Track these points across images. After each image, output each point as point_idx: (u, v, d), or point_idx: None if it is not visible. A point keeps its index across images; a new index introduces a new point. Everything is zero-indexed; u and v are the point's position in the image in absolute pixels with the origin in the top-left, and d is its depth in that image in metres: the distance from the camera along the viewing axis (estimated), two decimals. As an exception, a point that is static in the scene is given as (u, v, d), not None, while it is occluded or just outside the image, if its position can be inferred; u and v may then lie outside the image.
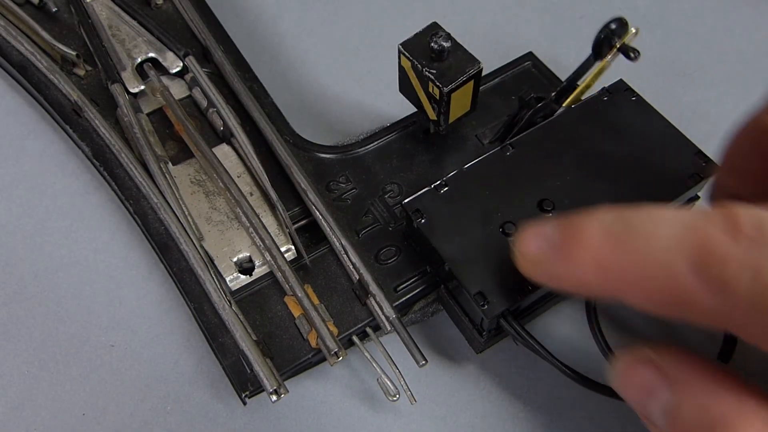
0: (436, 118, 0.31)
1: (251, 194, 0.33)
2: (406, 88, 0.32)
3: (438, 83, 0.29)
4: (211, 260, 0.30)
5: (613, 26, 0.28)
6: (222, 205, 0.32)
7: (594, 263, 0.21)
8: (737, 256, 0.18)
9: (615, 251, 0.20)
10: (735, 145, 0.25)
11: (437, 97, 0.30)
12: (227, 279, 0.30)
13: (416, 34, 0.30)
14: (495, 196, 0.29)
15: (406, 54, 0.30)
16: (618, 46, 0.29)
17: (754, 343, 0.19)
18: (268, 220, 0.32)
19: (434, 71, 0.29)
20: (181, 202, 0.31)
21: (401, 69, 0.31)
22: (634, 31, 0.29)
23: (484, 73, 0.31)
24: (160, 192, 0.32)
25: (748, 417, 0.19)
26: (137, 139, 0.33)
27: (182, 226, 0.31)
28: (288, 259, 0.30)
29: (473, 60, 0.30)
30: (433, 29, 0.30)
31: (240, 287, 0.30)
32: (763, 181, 0.24)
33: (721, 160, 0.25)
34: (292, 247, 0.31)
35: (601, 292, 0.21)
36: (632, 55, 0.28)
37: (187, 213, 0.31)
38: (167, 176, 0.32)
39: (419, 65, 0.30)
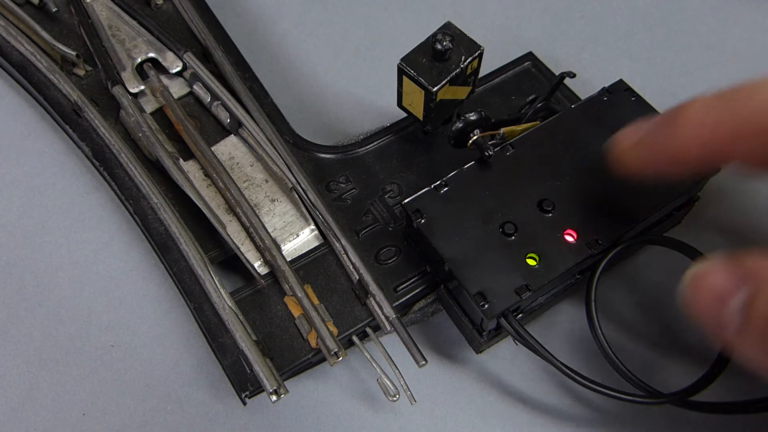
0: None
1: (266, 181, 0.33)
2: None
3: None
4: (238, 247, 0.30)
5: (473, 118, 0.29)
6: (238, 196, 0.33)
7: (700, 125, 0.22)
8: None
9: (719, 111, 0.22)
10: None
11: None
12: (256, 265, 0.30)
13: (418, 75, 0.30)
14: (495, 196, 0.29)
15: (442, 83, 0.30)
16: (475, 138, 0.29)
17: None
18: (286, 206, 0.32)
19: (464, 56, 0.30)
20: (200, 194, 0.32)
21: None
22: (501, 132, 0.30)
23: (484, 73, 0.31)
24: (162, 192, 0.32)
25: None
26: (147, 138, 0.33)
27: (182, 226, 0.31)
28: (311, 244, 0.31)
29: (447, 25, 0.30)
30: (428, 43, 0.30)
31: (266, 273, 0.30)
32: None
33: None
34: (315, 228, 0.31)
35: (707, 155, 0.22)
36: (486, 153, 0.29)
37: (207, 203, 0.31)
38: (183, 171, 0.32)
39: (455, 71, 0.30)
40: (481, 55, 0.30)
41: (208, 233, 0.32)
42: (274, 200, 0.32)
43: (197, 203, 0.31)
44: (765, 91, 0.21)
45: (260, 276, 0.30)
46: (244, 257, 0.30)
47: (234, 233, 0.31)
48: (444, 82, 0.29)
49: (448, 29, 0.30)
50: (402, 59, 0.30)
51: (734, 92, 0.22)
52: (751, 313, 0.19)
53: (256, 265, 0.31)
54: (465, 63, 0.29)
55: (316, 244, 0.31)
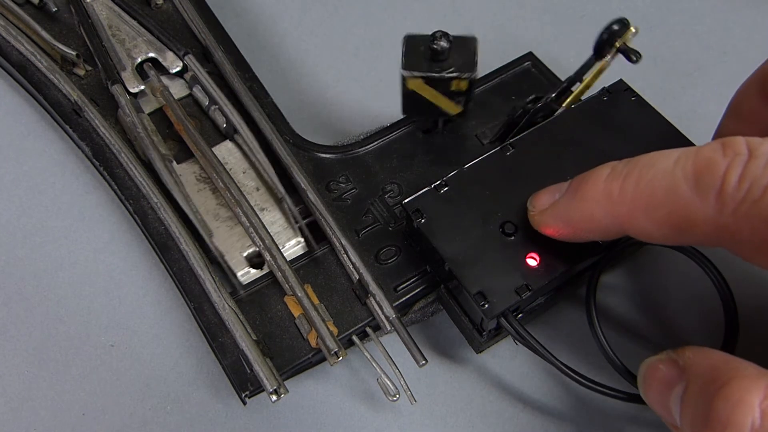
0: (462, 109, 0.32)
1: (257, 189, 0.33)
2: (414, 107, 0.32)
3: (464, 75, 0.29)
4: (222, 255, 0.30)
5: (616, 27, 0.28)
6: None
7: (603, 196, 0.23)
8: (729, 166, 0.20)
9: (621, 182, 0.23)
10: (742, 92, 0.27)
11: (465, 88, 0.30)
12: (239, 274, 0.30)
13: (407, 54, 0.30)
14: (495, 196, 0.29)
15: (414, 74, 0.30)
16: (619, 46, 0.29)
17: (746, 257, 0.21)
18: (275, 215, 0.32)
19: (453, 70, 0.29)
20: (188, 200, 0.31)
21: (409, 94, 0.31)
22: (634, 30, 0.29)
23: (484, 73, 0.31)
24: (162, 191, 0.32)
25: (745, 379, 0.20)
26: (141, 139, 0.33)
27: (182, 226, 0.31)
28: (297, 254, 0.30)
29: (469, 39, 0.30)
30: (425, 41, 0.30)
31: (251, 281, 0.30)
32: (764, 124, 0.26)
33: (728, 107, 0.27)
34: (302, 240, 0.31)
35: (611, 224, 0.23)
36: (633, 57, 0.28)
37: (195, 210, 0.31)
38: (173, 174, 0.32)
39: (435, 74, 0.29)
40: (471, 80, 0.30)
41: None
42: (263, 209, 0.32)
43: (184, 208, 0.31)
44: (664, 161, 0.22)
45: (241, 284, 0.30)
46: (227, 265, 0.30)
47: (234, 233, 0.31)
48: (418, 75, 0.29)
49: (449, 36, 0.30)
50: (407, 36, 0.30)
51: (636, 162, 0.23)
52: (686, 402, 0.21)
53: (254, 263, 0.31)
54: (448, 74, 0.29)
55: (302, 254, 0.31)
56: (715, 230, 0.21)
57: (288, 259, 0.30)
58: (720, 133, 0.28)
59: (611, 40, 0.29)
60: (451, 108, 0.31)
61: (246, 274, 0.30)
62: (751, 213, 0.20)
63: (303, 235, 0.31)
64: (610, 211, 0.23)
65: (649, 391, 0.24)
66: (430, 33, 0.29)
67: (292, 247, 0.31)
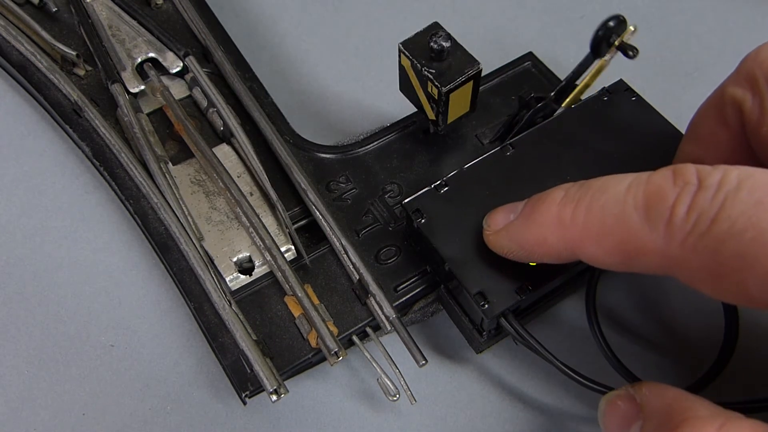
0: (435, 118, 0.31)
1: (251, 194, 0.33)
2: (406, 87, 0.32)
3: (437, 83, 0.29)
4: (211, 260, 0.30)
5: (612, 24, 0.28)
6: (222, 205, 0.32)
7: (555, 220, 0.23)
8: (678, 197, 0.20)
9: (573, 207, 0.23)
10: (700, 113, 0.27)
11: (436, 97, 0.30)
12: (227, 279, 0.30)
13: (417, 34, 0.30)
14: (495, 196, 0.29)
15: (406, 53, 0.30)
16: (617, 44, 0.29)
17: (696, 286, 0.21)
18: (268, 220, 0.32)
19: (433, 71, 0.29)
20: (181, 202, 0.31)
21: (401, 68, 0.31)
22: (632, 28, 0.29)
23: (484, 73, 0.31)
24: (160, 192, 0.32)
25: (698, 420, 0.20)
26: (137, 139, 0.33)
27: (182, 226, 0.31)
28: (288, 260, 0.30)
29: (473, 60, 0.30)
30: (434, 29, 0.30)
31: (240, 287, 0.30)
32: (723, 148, 0.26)
33: (687, 129, 0.27)
34: (292, 248, 0.31)
35: (563, 249, 0.23)
36: (631, 53, 0.28)
37: (187, 213, 0.31)
38: (167, 176, 0.32)
39: (418, 65, 0.30)
40: (442, 94, 0.30)
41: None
42: (257, 214, 0.32)
43: (176, 210, 0.31)
44: (616, 187, 0.22)
45: (230, 292, 0.30)
46: (217, 270, 0.30)
47: (234, 233, 0.31)
48: (407, 55, 0.30)
49: (439, 29, 0.30)
50: (402, 42, 0.30)
51: (589, 186, 0.23)
52: None
53: (256, 264, 0.31)
54: (425, 70, 0.30)
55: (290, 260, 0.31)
56: (663, 260, 0.21)
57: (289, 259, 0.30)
58: (678, 158, 0.27)
59: (607, 36, 0.29)
60: (428, 110, 0.31)
61: (235, 279, 0.30)
62: (698, 245, 0.20)
63: (293, 243, 0.31)
64: (561, 236, 0.23)
65: (608, 428, 0.24)
66: (442, 33, 0.30)
67: (284, 253, 0.31)
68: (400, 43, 0.30)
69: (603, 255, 0.22)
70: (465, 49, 0.30)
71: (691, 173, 0.21)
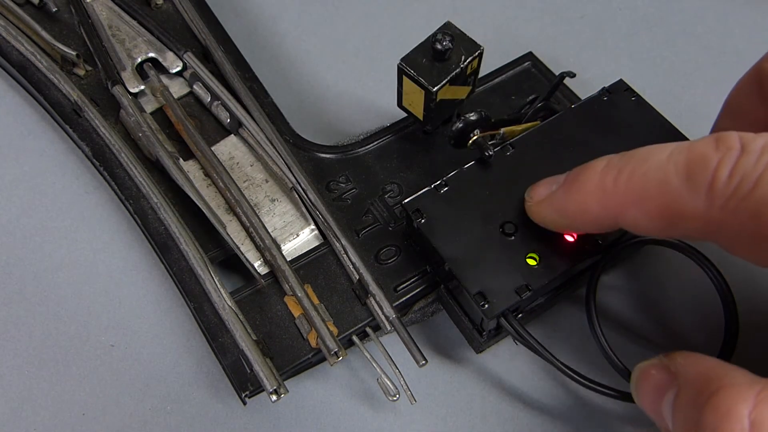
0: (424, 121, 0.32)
1: (266, 181, 0.33)
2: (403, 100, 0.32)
3: (427, 86, 0.29)
4: (238, 247, 0.30)
5: (473, 118, 0.29)
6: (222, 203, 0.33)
7: (598, 188, 0.23)
8: (720, 161, 0.21)
9: (616, 175, 0.23)
10: (738, 89, 0.27)
11: (465, 97, 0.30)
12: (256, 264, 0.30)
13: (413, 51, 0.30)
14: (495, 195, 0.29)
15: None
16: (474, 138, 0.29)
17: (734, 251, 0.21)
18: (286, 206, 0.32)
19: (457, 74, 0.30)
20: (200, 194, 0.32)
21: (403, 91, 0.31)
22: (502, 131, 0.30)
23: (484, 73, 0.31)
24: (162, 191, 0.32)
25: (735, 387, 0.20)
26: (147, 138, 0.33)
27: (182, 226, 0.31)
28: (312, 244, 0.31)
29: (474, 45, 0.30)
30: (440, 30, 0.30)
31: (268, 272, 0.30)
32: (760, 122, 0.26)
33: (723, 106, 0.28)
34: (315, 228, 0.31)
35: (604, 216, 0.24)
36: (486, 154, 0.29)
37: (207, 203, 0.31)
38: (183, 171, 0.32)
39: (447, 83, 0.30)
40: (481, 55, 0.30)
41: (208, 233, 0.32)
42: (274, 200, 0.32)
43: (197, 203, 0.31)
44: (658, 155, 0.22)
45: (260, 276, 0.30)
46: (244, 257, 0.30)
47: (234, 233, 0.31)
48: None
49: (447, 29, 0.30)
50: (402, 59, 0.30)
51: (631, 155, 0.23)
52: (677, 409, 0.22)
53: (256, 264, 0.31)
54: (465, 63, 0.29)
55: (316, 243, 0.31)
56: (704, 224, 0.21)
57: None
58: (715, 132, 0.28)
59: (466, 131, 0.29)
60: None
61: (263, 265, 0.31)
62: (739, 208, 0.20)
63: (316, 224, 0.31)
64: (603, 203, 0.24)
65: (641, 397, 0.24)
66: (423, 39, 0.30)
67: (306, 236, 0.31)
68: (401, 61, 0.30)
69: (645, 220, 0.23)
70: (463, 35, 0.30)
71: (734, 139, 0.21)
